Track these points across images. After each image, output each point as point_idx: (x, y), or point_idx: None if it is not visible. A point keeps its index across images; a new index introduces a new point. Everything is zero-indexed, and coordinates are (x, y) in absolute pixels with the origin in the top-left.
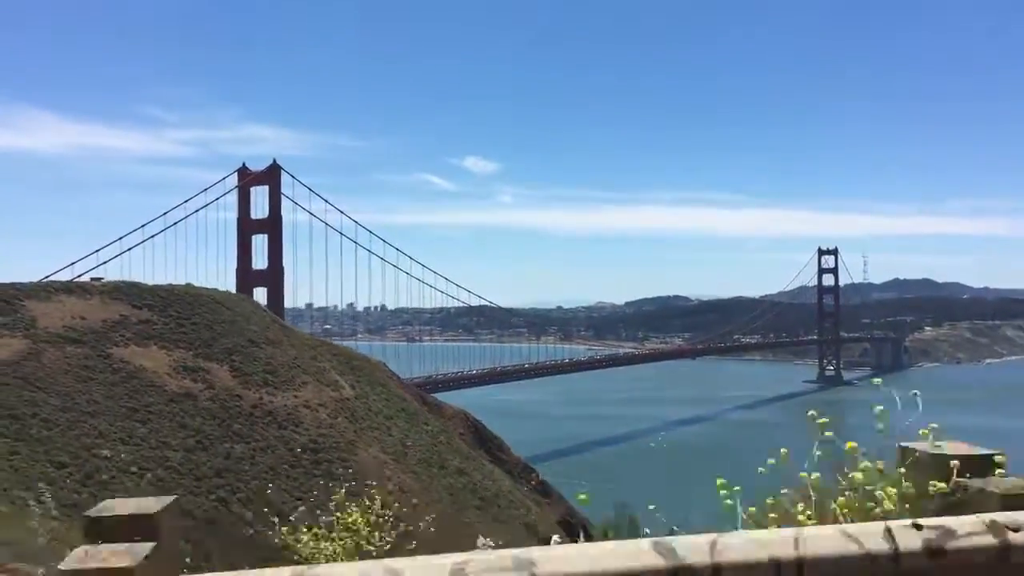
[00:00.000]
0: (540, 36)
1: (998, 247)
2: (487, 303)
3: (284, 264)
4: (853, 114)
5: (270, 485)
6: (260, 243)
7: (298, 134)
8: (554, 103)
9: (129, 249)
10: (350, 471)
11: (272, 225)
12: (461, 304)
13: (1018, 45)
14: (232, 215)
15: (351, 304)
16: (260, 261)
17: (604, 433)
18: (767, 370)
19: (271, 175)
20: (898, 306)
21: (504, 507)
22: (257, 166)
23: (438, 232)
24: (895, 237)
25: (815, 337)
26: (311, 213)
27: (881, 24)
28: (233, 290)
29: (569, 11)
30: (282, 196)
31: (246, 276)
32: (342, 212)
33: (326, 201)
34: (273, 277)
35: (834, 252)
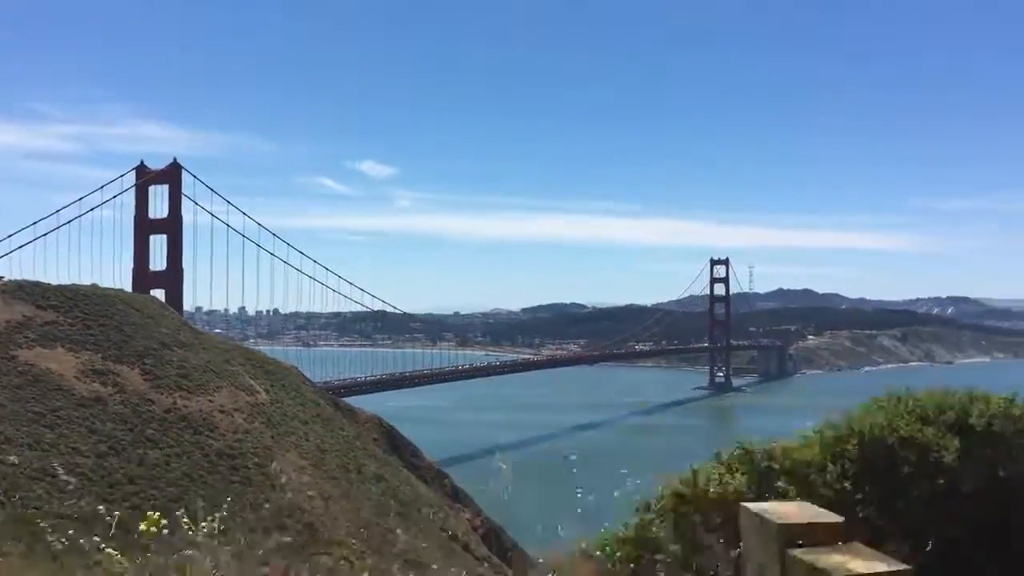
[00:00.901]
0: (437, 41)
1: (874, 260)
2: (389, 308)
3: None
4: (744, 129)
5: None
6: (158, 244)
7: (191, 133)
8: (452, 108)
9: (20, 247)
10: (266, 478)
11: (172, 225)
12: (358, 309)
13: (897, 67)
14: (129, 215)
15: (242, 308)
16: (157, 262)
17: (505, 439)
18: (660, 376)
19: (171, 174)
20: (782, 315)
21: (423, 512)
22: (151, 165)
23: (334, 236)
24: (778, 249)
25: (706, 344)
26: (213, 215)
27: (771, 42)
28: (129, 291)
29: (468, 15)
30: (183, 196)
31: (143, 277)
32: (245, 214)
33: (228, 202)
34: (172, 279)
35: (725, 262)
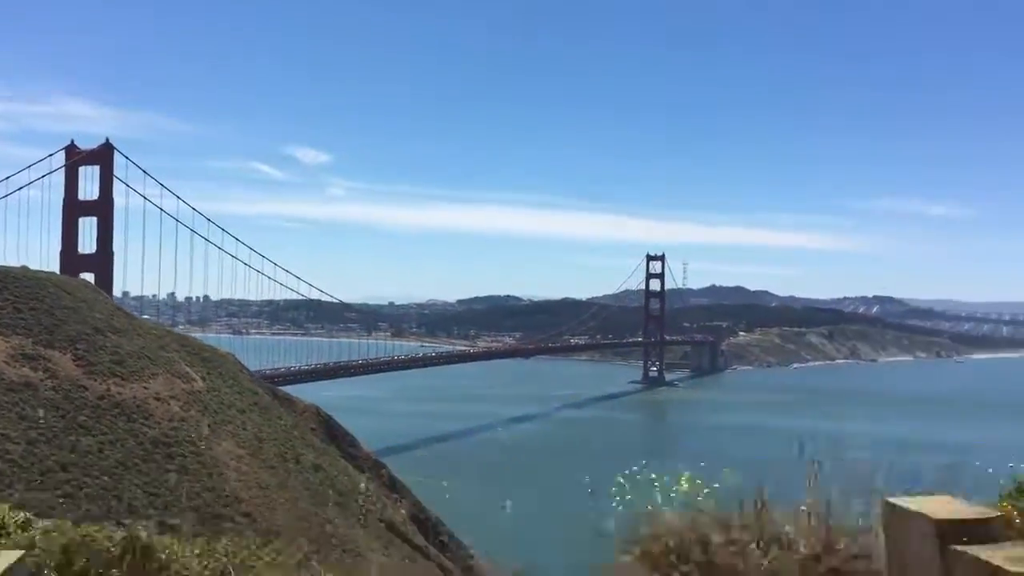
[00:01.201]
0: (374, 26)
1: (803, 259)
2: (325, 296)
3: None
4: (681, 128)
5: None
6: (86, 226)
7: (120, 113)
8: (390, 95)
9: None
10: (204, 466)
11: (103, 208)
12: (291, 297)
13: (834, 72)
14: (58, 195)
15: (172, 294)
16: (85, 245)
17: (442, 429)
18: (594, 370)
19: (103, 155)
20: (714, 312)
21: (362, 503)
22: (80, 145)
23: (267, 223)
24: (712, 246)
25: (640, 339)
26: (146, 198)
27: (711, 46)
28: (58, 274)
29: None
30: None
31: (71, 260)
32: (179, 198)
33: (161, 185)
34: (102, 262)
35: (661, 258)
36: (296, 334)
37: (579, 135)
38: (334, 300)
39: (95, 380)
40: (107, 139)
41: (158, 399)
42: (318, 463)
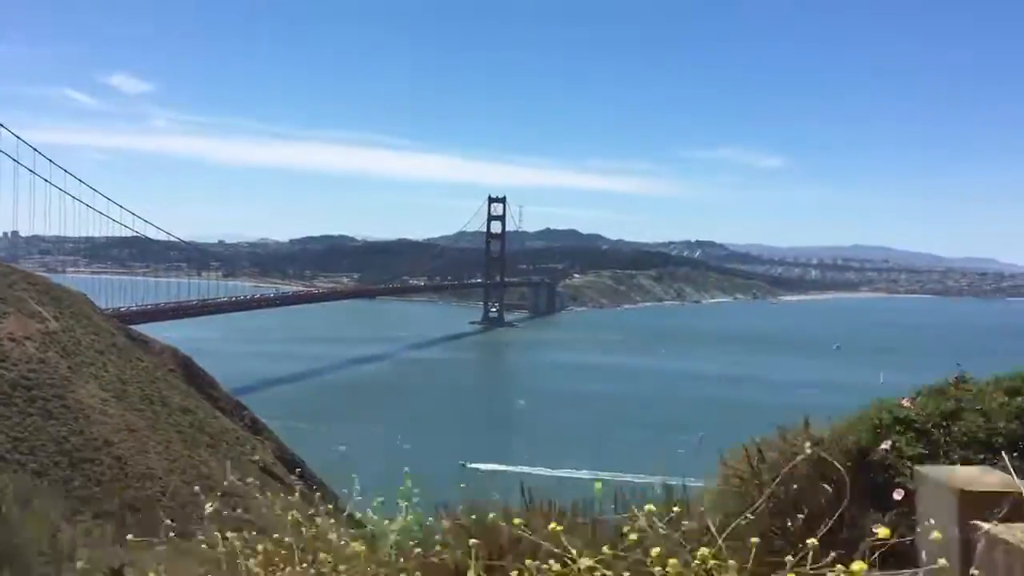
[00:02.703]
0: None
1: (631, 204)
2: (162, 234)
3: None
4: (519, 72)
5: None
6: None
7: None
8: (217, 23)
9: None
10: (68, 410)
11: None
12: (111, 234)
13: (664, 22)
14: None
15: None
16: None
17: (287, 371)
18: (434, 311)
19: None
20: (549, 254)
21: (231, 444)
22: None
23: (80, 154)
24: (545, 189)
25: (480, 280)
26: None
27: None
28: None
29: None
30: None
31: None
32: (3, 126)
33: None
34: None
35: (502, 200)
36: (119, 273)
37: (407, 72)
38: (173, 238)
39: None
40: None
41: (12, 340)
42: (185, 405)
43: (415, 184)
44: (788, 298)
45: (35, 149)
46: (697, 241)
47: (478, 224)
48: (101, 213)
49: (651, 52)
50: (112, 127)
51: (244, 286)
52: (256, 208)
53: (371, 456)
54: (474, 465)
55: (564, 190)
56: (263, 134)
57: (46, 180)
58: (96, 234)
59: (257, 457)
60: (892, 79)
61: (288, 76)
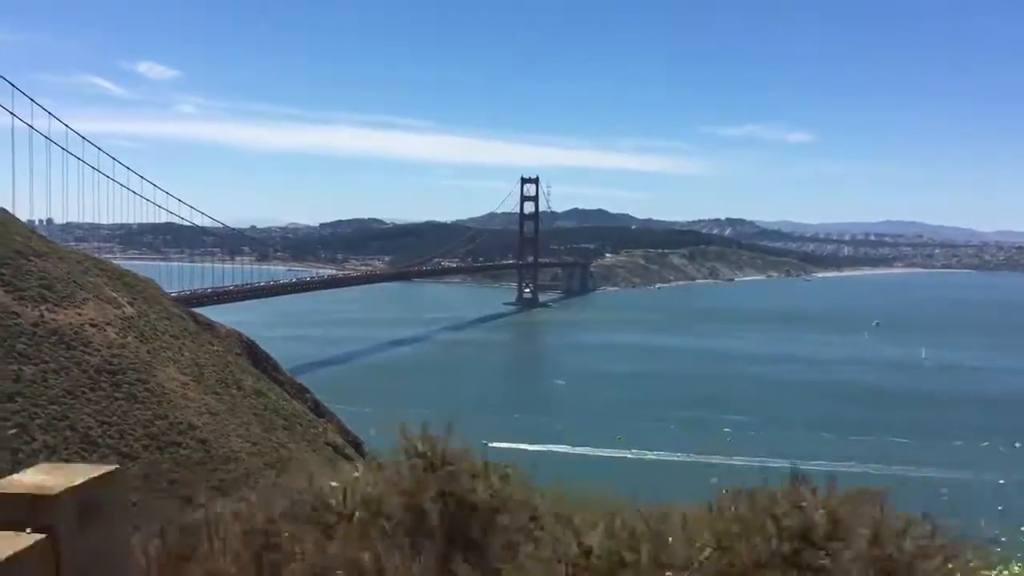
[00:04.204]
0: None
1: (659, 183)
2: (203, 218)
3: None
4: (539, 50)
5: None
6: None
7: None
8: (242, 6)
9: None
10: (152, 394)
11: None
12: (145, 221)
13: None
14: None
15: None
16: None
17: (329, 353)
18: (468, 293)
19: None
20: (579, 234)
21: (304, 426)
22: None
23: (108, 142)
24: (572, 169)
25: (514, 261)
26: (14, 114)
27: None
28: None
29: None
30: None
31: None
32: (52, 115)
33: (33, 101)
34: None
35: (535, 181)
36: (154, 259)
37: (431, 54)
38: (217, 223)
39: (26, 306)
40: None
41: (94, 325)
42: (258, 388)
43: (440, 166)
44: (822, 274)
45: (83, 137)
46: (727, 219)
47: (508, 206)
48: (145, 199)
49: (672, 30)
50: (140, 114)
51: (278, 270)
52: (284, 193)
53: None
54: (495, 444)
55: (590, 170)
56: (287, 118)
57: (94, 168)
58: (129, 220)
59: (330, 438)
60: (920, 51)
61: (311, 60)
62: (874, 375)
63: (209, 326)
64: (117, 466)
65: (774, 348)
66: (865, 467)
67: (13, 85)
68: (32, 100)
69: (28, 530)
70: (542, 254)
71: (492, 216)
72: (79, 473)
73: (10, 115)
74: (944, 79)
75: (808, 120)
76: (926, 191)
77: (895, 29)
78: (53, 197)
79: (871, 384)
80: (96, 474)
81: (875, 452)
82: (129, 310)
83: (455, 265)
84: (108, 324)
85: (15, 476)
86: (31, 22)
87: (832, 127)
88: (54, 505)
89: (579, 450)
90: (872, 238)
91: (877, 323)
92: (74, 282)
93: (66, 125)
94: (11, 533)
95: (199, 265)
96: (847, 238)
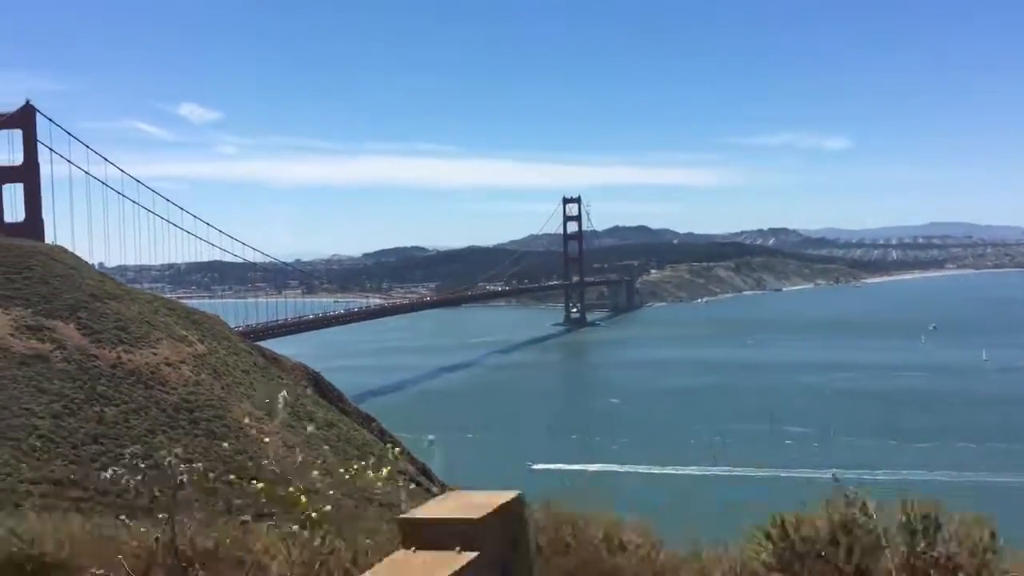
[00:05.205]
0: None
1: (696, 196)
2: (255, 255)
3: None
4: (569, 75)
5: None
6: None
7: None
8: (278, 49)
9: None
10: (229, 429)
11: (28, 174)
12: (192, 260)
13: (730, 14)
14: None
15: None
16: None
17: (383, 382)
18: (515, 316)
19: (24, 118)
20: (622, 251)
21: (377, 456)
22: None
23: (153, 185)
24: (609, 187)
25: (560, 282)
26: (71, 162)
27: None
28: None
29: None
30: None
31: None
32: (108, 161)
33: (88, 148)
34: (31, 232)
35: (577, 200)
36: (203, 297)
37: (458, 79)
38: (268, 257)
39: (103, 348)
40: (27, 100)
41: (169, 364)
42: (329, 419)
43: (478, 191)
44: (871, 280)
45: (138, 181)
46: (769, 229)
47: (551, 227)
48: (198, 237)
49: (702, 40)
50: (181, 156)
51: (326, 302)
52: (326, 226)
53: (464, 460)
54: (557, 466)
55: (628, 186)
56: (321, 152)
57: (148, 210)
58: (177, 260)
59: (401, 467)
60: (954, 53)
61: (343, 95)
62: (934, 380)
63: (275, 359)
64: (519, 491)
65: (829, 356)
66: (934, 475)
67: (70, 134)
68: (87, 147)
69: (458, 549)
70: (587, 273)
71: (533, 238)
72: (494, 499)
73: (67, 163)
74: (984, 76)
75: (843, 125)
76: (973, 190)
77: (925, 29)
78: (108, 241)
79: (932, 389)
80: (507, 499)
81: (943, 458)
82: (200, 347)
83: (501, 288)
84: (182, 362)
85: (430, 504)
86: (72, 71)
87: (868, 130)
88: (487, 528)
89: (641, 468)
90: (920, 240)
91: (934, 326)
92: (147, 322)
93: (121, 170)
94: (449, 553)
95: (248, 301)
96: (894, 242)
